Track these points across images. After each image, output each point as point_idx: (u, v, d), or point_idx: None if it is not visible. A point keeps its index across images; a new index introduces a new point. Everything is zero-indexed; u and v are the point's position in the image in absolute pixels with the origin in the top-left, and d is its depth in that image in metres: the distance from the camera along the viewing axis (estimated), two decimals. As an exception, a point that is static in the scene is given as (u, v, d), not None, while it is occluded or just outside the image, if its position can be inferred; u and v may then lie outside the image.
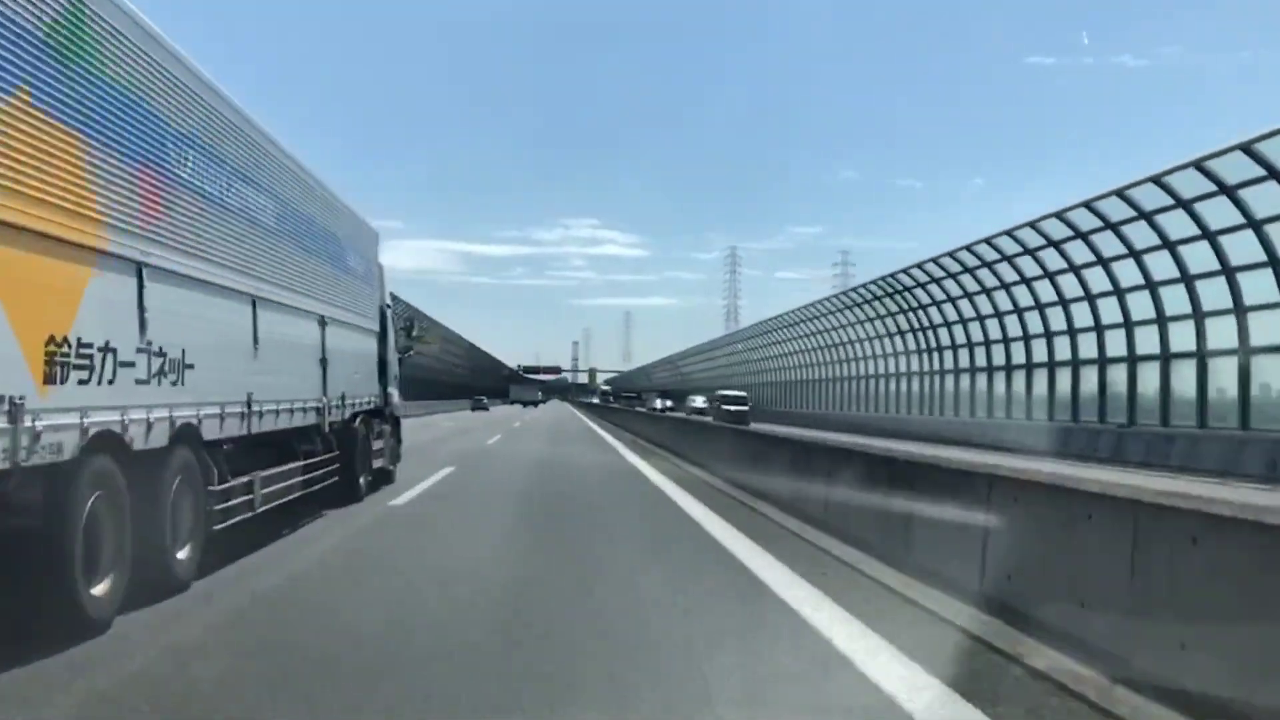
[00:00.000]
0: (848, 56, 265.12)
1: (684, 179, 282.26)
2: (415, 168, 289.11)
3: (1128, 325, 24.50)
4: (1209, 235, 20.38)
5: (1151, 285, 23.10)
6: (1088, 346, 26.42)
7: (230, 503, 7.40)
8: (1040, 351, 28.87)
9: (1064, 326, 27.36)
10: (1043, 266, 26.98)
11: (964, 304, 32.66)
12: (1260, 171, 18.17)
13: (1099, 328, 25.72)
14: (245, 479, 7.77)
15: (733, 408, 49.13)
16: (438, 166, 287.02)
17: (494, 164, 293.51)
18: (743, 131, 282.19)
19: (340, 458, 10.86)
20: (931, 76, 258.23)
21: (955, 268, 31.81)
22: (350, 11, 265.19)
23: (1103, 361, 25.79)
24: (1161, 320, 23.15)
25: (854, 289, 41.80)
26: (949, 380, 35.29)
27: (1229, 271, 20.49)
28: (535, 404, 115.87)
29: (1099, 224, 23.36)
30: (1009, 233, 27.22)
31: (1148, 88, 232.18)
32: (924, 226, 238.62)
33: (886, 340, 40.74)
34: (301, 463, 9.50)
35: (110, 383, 5.53)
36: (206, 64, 7.20)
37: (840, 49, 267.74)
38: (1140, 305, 23.90)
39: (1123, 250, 23.36)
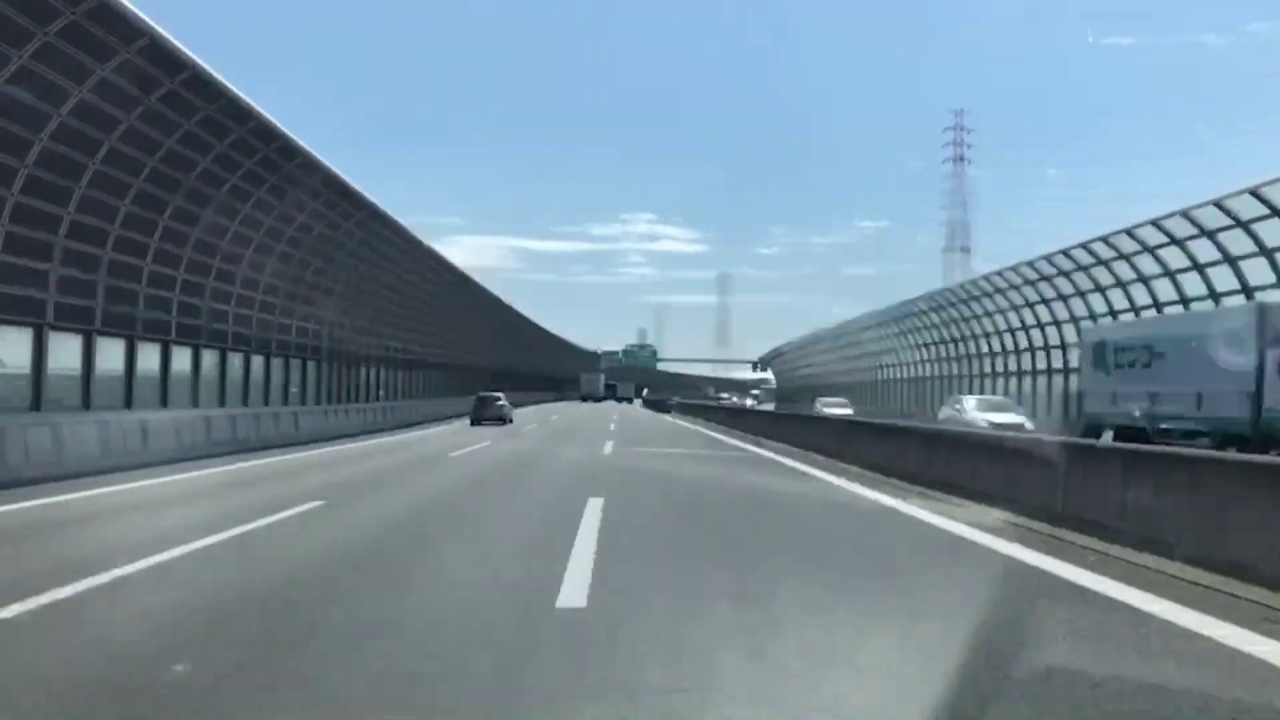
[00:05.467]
0: (909, 41, 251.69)
1: (742, 172, 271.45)
2: (475, 164, 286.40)
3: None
4: None
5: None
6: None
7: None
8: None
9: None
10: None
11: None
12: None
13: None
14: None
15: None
16: (497, 162, 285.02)
17: (551, 157, 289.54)
18: (803, 122, 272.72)
19: None
20: (1001, 60, 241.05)
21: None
22: (408, 12, 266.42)
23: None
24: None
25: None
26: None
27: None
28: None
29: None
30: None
31: (1232, 67, 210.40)
32: (994, 218, 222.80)
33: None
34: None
35: None
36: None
37: (902, 33, 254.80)
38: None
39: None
